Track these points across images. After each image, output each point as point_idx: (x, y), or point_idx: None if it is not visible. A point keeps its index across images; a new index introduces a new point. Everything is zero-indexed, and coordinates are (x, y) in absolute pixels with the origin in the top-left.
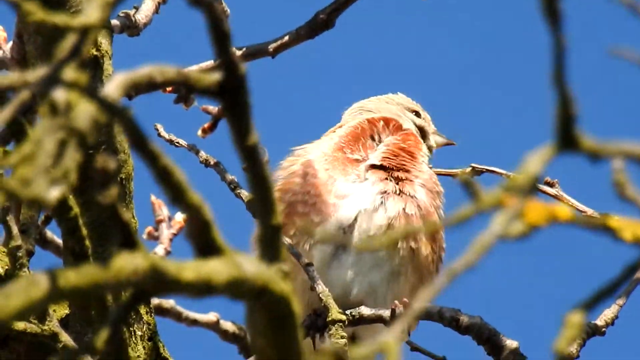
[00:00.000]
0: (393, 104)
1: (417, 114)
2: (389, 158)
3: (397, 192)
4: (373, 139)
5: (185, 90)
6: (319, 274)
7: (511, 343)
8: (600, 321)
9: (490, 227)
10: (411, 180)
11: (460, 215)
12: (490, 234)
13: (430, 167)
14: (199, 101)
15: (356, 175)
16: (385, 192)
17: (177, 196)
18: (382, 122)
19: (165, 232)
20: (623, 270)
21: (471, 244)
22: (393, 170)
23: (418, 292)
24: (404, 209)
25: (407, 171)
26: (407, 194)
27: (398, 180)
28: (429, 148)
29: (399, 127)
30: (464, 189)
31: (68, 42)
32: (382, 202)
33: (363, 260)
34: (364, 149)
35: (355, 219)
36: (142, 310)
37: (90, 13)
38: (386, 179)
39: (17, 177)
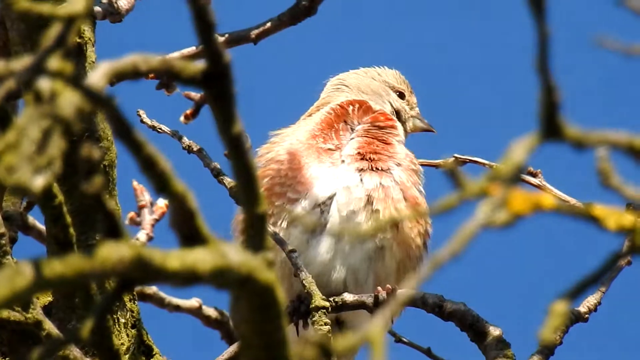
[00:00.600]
0: (377, 81)
1: (401, 95)
2: (363, 146)
3: (373, 168)
4: (346, 123)
5: (167, 76)
6: (299, 252)
7: (494, 329)
8: (583, 307)
9: (475, 215)
10: (385, 160)
11: (445, 203)
12: (475, 222)
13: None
14: (181, 87)
15: (330, 162)
16: (361, 169)
17: (161, 185)
18: (353, 107)
19: (148, 218)
20: (607, 259)
21: (456, 233)
22: (368, 154)
23: (405, 269)
24: (381, 183)
25: (381, 153)
26: (382, 169)
27: (372, 160)
28: (405, 131)
29: (369, 110)
30: (449, 178)
31: (53, 31)
32: (360, 179)
33: (344, 240)
34: (337, 136)
35: (333, 196)
36: (126, 298)
37: (76, 2)
38: (362, 159)
39: (2, 164)
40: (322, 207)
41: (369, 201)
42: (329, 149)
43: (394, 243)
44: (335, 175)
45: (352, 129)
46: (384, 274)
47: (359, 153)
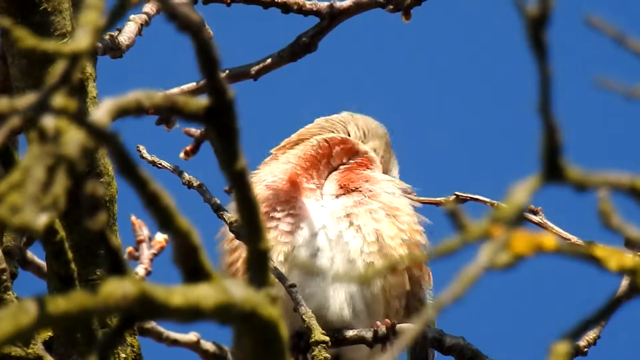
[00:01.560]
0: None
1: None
2: (342, 179)
3: (359, 200)
4: (329, 163)
5: (167, 112)
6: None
7: None
8: (582, 341)
9: (477, 258)
10: (371, 190)
11: (447, 246)
12: (477, 265)
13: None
14: (181, 123)
15: (315, 199)
16: (347, 201)
17: (165, 221)
18: (339, 147)
19: (146, 252)
20: (609, 300)
21: (458, 276)
22: (347, 183)
23: (402, 303)
24: (369, 211)
25: (361, 181)
26: (368, 196)
27: (358, 192)
28: None
29: (355, 151)
30: (450, 219)
31: (58, 68)
32: (346, 213)
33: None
34: (318, 176)
35: (320, 234)
36: (126, 332)
37: (80, 39)
38: (346, 193)
39: (7, 204)
40: (312, 245)
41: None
42: (311, 189)
43: (391, 281)
44: (321, 209)
45: (335, 168)
46: (381, 308)
47: (340, 186)
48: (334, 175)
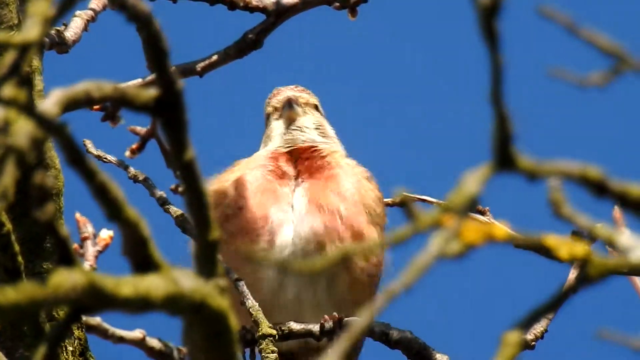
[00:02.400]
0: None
1: (268, 117)
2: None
3: (318, 206)
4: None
5: (112, 108)
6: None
7: (441, 357)
8: (529, 335)
9: (428, 247)
10: (330, 198)
11: (399, 235)
12: (428, 254)
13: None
14: (127, 121)
15: (281, 204)
16: (307, 210)
17: (114, 212)
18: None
19: (91, 249)
20: (560, 290)
21: (409, 265)
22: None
23: (355, 297)
24: (325, 221)
25: (326, 192)
26: (327, 207)
27: (318, 200)
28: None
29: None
30: (402, 209)
31: (8, 59)
32: (305, 218)
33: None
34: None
35: (284, 235)
36: (73, 325)
37: (30, 29)
38: (308, 202)
39: None
40: (275, 244)
41: (316, 239)
42: (278, 192)
43: (344, 273)
44: (284, 216)
45: (296, 177)
46: (333, 302)
47: (309, 200)
48: (301, 181)
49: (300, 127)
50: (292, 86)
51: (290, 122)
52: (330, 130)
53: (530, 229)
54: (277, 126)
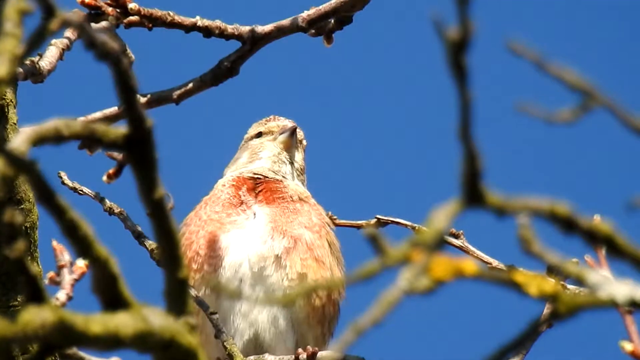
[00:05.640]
0: (243, 147)
1: (259, 135)
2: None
3: (281, 233)
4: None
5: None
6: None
7: None
8: None
9: (397, 282)
10: (293, 227)
11: (366, 270)
12: (397, 289)
13: (334, 219)
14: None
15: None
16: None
17: (84, 249)
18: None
19: (67, 278)
20: (529, 325)
21: (377, 300)
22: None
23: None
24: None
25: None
26: (291, 235)
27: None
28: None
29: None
30: (370, 244)
31: None
32: (269, 246)
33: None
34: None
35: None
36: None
37: None
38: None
39: None
40: (237, 275)
41: (279, 264)
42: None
43: (306, 308)
44: (244, 244)
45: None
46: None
47: (272, 228)
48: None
49: (290, 158)
50: (290, 119)
51: (287, 148)
52: (304, 175)
53: (508, 251)
54: (269, 147)
